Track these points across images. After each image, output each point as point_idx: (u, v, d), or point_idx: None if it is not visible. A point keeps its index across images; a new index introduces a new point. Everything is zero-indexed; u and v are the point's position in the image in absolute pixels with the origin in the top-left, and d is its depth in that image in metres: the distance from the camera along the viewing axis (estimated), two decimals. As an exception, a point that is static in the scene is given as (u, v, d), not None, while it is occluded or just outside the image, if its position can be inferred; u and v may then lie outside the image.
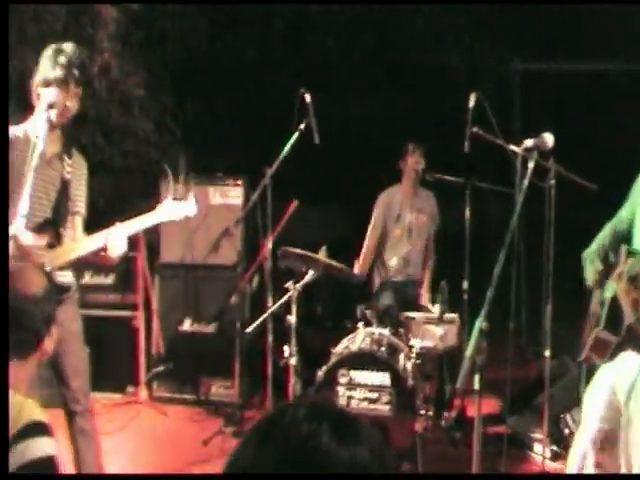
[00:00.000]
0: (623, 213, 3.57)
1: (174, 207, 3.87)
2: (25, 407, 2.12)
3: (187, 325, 6.16)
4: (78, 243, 3.82)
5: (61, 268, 3.74)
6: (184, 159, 6.52)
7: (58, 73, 3.68)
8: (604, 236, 3.55)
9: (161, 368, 6.08)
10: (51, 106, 3.70)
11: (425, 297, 5.93)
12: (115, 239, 3.70)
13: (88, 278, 6.13)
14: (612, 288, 3.35)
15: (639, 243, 3.40)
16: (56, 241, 3.76)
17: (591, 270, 3.46)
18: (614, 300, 3.35)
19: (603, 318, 3.40)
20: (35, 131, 3.77)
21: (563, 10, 10.55)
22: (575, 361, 3.72)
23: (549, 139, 3.19)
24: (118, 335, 6.14)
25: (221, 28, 9.44)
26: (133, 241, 6.12)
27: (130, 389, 6.19)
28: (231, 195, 6.23)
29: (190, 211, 3.91)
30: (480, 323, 2.79)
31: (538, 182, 4.23)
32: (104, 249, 3.70)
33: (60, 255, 3.72)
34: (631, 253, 3.31)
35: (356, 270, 5.90)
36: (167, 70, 9.06)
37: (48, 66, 3.71)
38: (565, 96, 9.76)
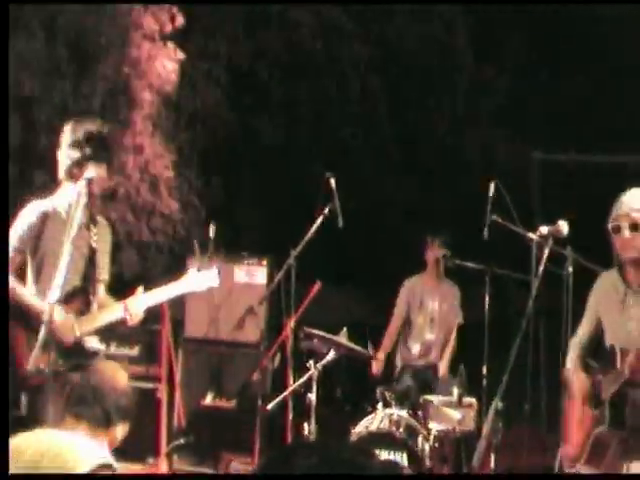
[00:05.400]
0: (585, 329, 3.50)
1: (197, 278, 3.97)
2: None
3: (209, 399, 6.23)
4: (102, 311, 3.94)
5: (89, 335, 3.87)
6: (210, 238, 6.66)
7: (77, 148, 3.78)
8: (578, 350, 3.49)
9: (181, 441, 6.11)
10: (90, 180, 3.73)
11: (445, 374, 5.99)
12: (135, 307, 3.85)
13: (114, 348, 6.23)
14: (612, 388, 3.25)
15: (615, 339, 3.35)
16: (86, 308, 3.91)
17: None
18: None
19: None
20: (64, 203, 3.88)
21: (585, 104, 10.81)
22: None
23: (563, 227, 3.29)
24: (141, 406, 6.17)
25: (248, 112, 9.73)
26: (158, 314, 6.27)
27: (150, 460, 6.22)
28: (255, 274, 6.35)
29: (213, 282, 4.00)
30: (496, 403, 2.86)
31: (556, 270, 4.33)
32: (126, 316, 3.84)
33: (87, 322, 3.87)
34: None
35: (378, 353, 5.99)
36: (195, 151, 9.33)
37: (69, 138, 3.83)
38: (585, 187, 9.91)
